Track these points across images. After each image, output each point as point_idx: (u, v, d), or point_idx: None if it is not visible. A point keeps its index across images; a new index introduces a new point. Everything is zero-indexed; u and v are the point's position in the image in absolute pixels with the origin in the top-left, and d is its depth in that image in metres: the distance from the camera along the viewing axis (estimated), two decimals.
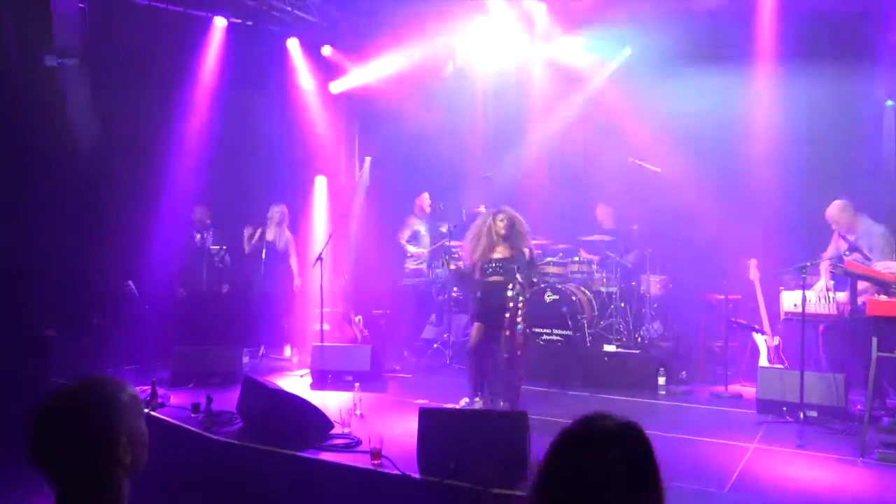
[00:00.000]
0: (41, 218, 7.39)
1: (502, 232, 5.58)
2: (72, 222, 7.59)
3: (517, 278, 5.41)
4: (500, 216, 5.61)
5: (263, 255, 7.98)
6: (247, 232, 8.00)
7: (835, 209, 5.77)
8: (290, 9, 8.64)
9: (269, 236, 8.04)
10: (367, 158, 9.55)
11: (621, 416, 1.37)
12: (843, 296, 5.51)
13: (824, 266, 5.62)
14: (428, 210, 8.44)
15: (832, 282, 5.63)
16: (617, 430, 1.33)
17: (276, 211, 8.07)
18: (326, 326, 8.04)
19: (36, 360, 6.55)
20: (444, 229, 8.04)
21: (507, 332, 5.45)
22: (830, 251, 5.80)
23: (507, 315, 5.41)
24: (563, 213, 8.29)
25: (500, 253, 5.60)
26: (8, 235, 7.15)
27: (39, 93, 6.98)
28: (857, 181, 6.47)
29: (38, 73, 6.99)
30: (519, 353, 5.45)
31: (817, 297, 5.66)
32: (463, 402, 5.59)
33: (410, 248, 8.18)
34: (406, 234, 8.32)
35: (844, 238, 5.53)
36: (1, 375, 6.48)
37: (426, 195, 8.39)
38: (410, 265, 8.34)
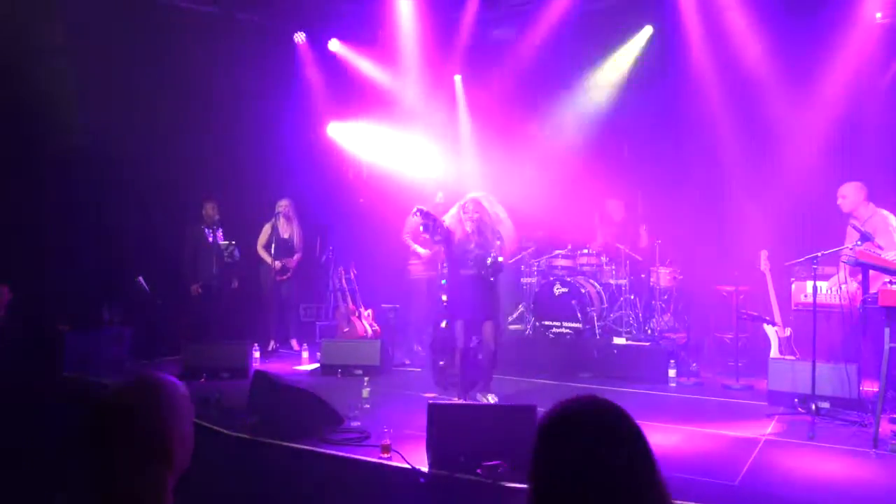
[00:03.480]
0: (53, 214, 7.44)
1: (470, 226, 5.46)
2: (84, 218, 7.64)
3: (488, 268, 5.34)
4: (468, 209, 5.47)
5: (272, 251, 8.02)
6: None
7: (849, 186, 5.69)
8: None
9: (284, 234, 8.07)
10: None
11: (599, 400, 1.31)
12: (855, 286, 5.46)
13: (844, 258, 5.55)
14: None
15: (851, 279, 5.55)
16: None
17: (283, 205, 8.09)
18: (336, 321, 8.07)
19: (49, 355, 6.61)
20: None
21: (487, 325, 5.45)
22: (849, 242, 5.72)
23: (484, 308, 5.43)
24: (571, 207, 8.26)
25: (471, 246, 5.48)
26: (21, 231, 7.20)
27: (50, 90, 7.01)
28: (869, 170, 6.40)
29: (49, 70, 7.02)
30: (493, 344, 5.50)
31: (829, 288, 5.61)
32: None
33: (419, 250, 8.12)
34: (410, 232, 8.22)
35: (855, 228, 5.47)
36: (15, 370, 6.55)
37: (440, 194, 8.30)
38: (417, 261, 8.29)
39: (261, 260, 8.08)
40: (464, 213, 5.47)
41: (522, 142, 8.72)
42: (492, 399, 5.48)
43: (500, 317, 5.68)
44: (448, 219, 5.58)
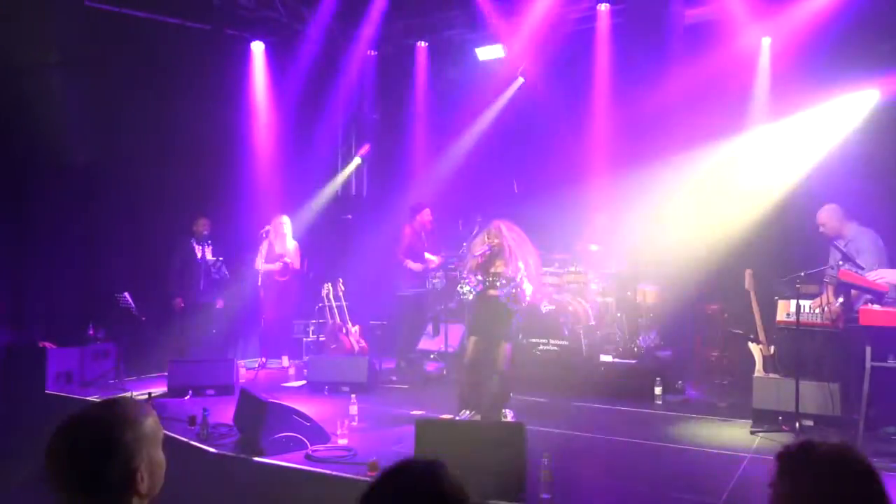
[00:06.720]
0: (38, 229, 7.40)
1: (495, 248, 5.60)
2: (69, 233, 7.60)
3: (510, 292, 5.45)
4: (493, 232, 5.64)
5: (259, 266, 7.98)
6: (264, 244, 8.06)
7: (824, 213, 5.77)
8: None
9: (280, 250, 8.03)
10: None
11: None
12: (838, 305, 5.51)
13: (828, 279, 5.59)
14: (428, 226, 8.39)
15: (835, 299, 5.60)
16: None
17: (280, 222, 8.07)
18: (322, 337, 8.04)
19: (32, 372, 6.54)
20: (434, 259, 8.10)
21: (502, 346, 5.50)
22: (832, 262, 5.79)
23: (501, 329, 5.48)
24: (559, 222, 8.30)
25: (495, 268, 5.62)
26: (5, 246, 7.16)
27: (39, 102, 6.99)
28: (849, 187, 6.49)
29: (38, 81, 7.01)
30: (506, 367, 5.52)
31: (813, 308, 5.66)
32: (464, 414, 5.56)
33: (411, 265, 8.14)
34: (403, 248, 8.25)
35: (837, 247, 5.55)
36: None
37: (427, 211, 8.33)
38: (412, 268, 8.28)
39: (261, 277, 8.03)
40: (488, 238, 5.62)
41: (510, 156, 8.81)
42: (509, 415, 5.50)
43: (513, 338, 5.78)
44: (476, 244, 5.77)
